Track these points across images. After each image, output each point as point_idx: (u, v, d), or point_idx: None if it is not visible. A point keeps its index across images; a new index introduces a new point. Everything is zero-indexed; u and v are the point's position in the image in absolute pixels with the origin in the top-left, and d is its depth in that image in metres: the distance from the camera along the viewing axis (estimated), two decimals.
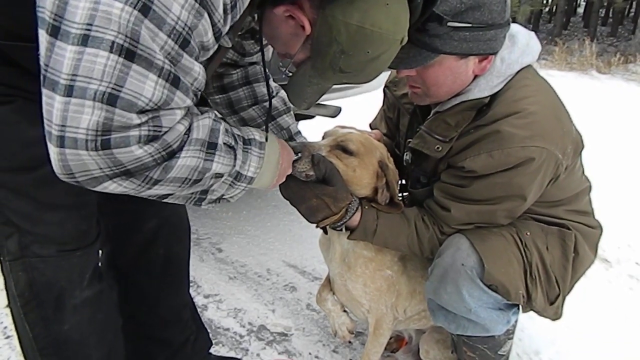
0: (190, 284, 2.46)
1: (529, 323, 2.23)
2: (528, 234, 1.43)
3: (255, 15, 1.17)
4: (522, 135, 1.27)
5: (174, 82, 0.87)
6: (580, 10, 25.42)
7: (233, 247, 2.89)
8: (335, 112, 3.57)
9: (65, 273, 1.19)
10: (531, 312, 1.52)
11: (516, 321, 1.50)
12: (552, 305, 1.44)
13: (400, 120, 1.68)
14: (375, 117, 1.89)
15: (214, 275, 2.58)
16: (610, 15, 19.92)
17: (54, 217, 1.15)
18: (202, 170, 0.98)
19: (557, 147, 1.31)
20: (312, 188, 1.37)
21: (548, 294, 1.43)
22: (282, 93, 1.58)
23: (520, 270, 1.37)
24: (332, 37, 1.02)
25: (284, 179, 1.29)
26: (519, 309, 1.41)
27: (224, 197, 1.12)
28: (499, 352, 1.51)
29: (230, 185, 1.10)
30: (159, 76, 0.84)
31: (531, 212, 1.49)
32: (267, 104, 1.53)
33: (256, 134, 1.15)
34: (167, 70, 0.85)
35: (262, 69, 1.32)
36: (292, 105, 1.58)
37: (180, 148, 0.92)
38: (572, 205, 1.54)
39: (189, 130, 0.94)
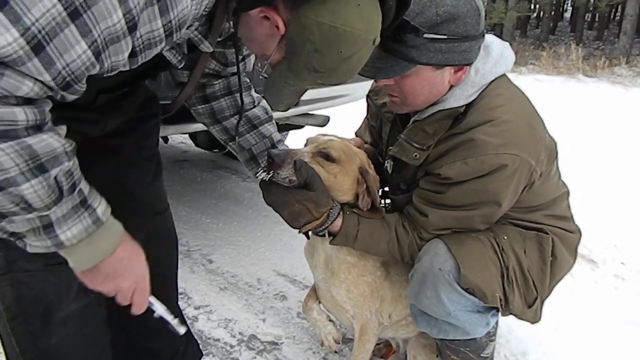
0: (181, 296, 2.51)
1: (516, 325, 2.26)
2: (505, 238, 1.47)
3: (231, 22, 1.19)
4: (496, 143, 1.31)
5: (37, 47, 0.75)
6: (568, 15, 25.77)
7: (224, 258, 2.91)
8: (324, 121, 3.62)
9: (52, 286, 1.20)
10: None
11: (496, 323, 1.54)
12: (530, 308, 1.48)
13: (382, 128, 1.73)
14: (360, 126, 1.93)
15: (204, 286, 2.59)
16: (597, 19, 20.21)
17: None
18: (8, 179, 0.81)
19: (530, 154, 1.35)
20: (294, 193, 1.41)
21: (526, 297, 1.47)
22: (264, 102, 1.61)
23: (497, 274, 1.41)
24: (305, 36, 1.04)
25: (111, 283, 1.08)
26: (498, 311, 1.45)
27: (23, 238, 0.95)
28: (481, 355, 1.54)
29: (34, 230, 0.92)
30: (23, 34, 0.73)
31: (509, 217, 1.53)
32: (249, 113, 1.56)
33: (101, 210, 0.99)
34: (40, 30, 0.74)
35: (237, 68, 1.33)
36: (272, 114, 1.62)
37: (2, 137, 0.78)
38: (550, 210, 1.58)
39: (28, 130, 0.81)
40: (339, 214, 1.48)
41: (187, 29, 1.01)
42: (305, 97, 3.19)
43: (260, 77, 1.28)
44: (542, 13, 19.51)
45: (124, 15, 0.81)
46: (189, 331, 1.87)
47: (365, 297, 1.62)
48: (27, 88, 0.78)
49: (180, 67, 1.19)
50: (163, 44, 0.96)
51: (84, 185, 0.96)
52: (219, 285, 2.61)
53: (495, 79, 1.42)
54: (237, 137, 1.52)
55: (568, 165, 4.55)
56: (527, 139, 1.36)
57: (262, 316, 2.36)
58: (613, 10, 20.82)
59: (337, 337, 1.75)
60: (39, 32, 0.74)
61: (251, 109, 1.56)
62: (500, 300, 1.42)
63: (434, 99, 1.43)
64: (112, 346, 1.67)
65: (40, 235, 0.93)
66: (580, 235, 1.70)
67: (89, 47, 0.81)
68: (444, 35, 1.28)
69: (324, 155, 1.47)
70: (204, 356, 2.06)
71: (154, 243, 1.58)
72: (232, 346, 2.15)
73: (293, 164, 1.40)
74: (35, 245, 0.96)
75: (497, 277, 1.41)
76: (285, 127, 3.97)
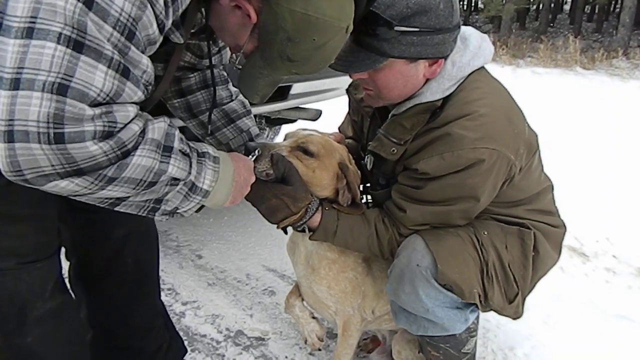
0: (169, 292, 2.51)
1: (504, 319, 2.25)
2: (486, 233, 1.45)
3: (203, 10, 1.18)
4: (472, 137, 1.29)
5: (124, 72, 0.87)
6: (568, 7, 25.64)
7: (213, 253, 2.90)
8: (316, 115, 3.60)
9: (26, 285, 1.20)
10: None
11: (477, 319, 1.53)
12: (511, 304, 1.46)
13: (363, 123, 1.71)
14: (343, 121, 1.91)
15: (192, 282, 2.59)
16: (596, 11, 20.09)
17: (12, 229, 1.15)
18: (157, 172, 0.96)
19: (508, 148, 1.33)
20: (272, 188, 1.39)
21: (506, 292, 1.45)
22: (242, 96, 1.60)
23: (476, 270, 1.40)
24: (278, 25, 1.03)
25: (242, 196, 1.28)
26: (477, 307, 1.44)
27: (177, 210, 1.10)
28: (462, 351, 1.53)
29: (185, 196, 1.08)
30: (108, 67, 0.84)
31: (491, 212, 1.52)
32: (226, 107, 1.55)
33: (209, 148, 1.15)
34: (117, 61, 0.85)
35: (209, 60, 1.33)
36: (251, 107, 1.60)
37: (135, 147, 0.91)
38: (532, 204, 1.56)
39: (143, 131, 0.94)
40: (317, 209, 1.46)
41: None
42: (295, 90, 3.18)
43: (234, 68, 1.27)
44: (541, 5, 19.37)
45: (157, 25, 0.93)
46: (173, 327, 1.87)
47: (347, 294, 1.61)
48: (132, 114, 0.91)
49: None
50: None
51: (190, 142, 1.10)
52: (207, 281, 2.61)
53: (473, 71, 1.40)
54: (209, 128, 1.51)
55: (563, 158, 4.58)
56: (505, 132, 1.34)
57: (249, 312, 2.35)
58: (612, 1, 20.69)
59: (321, 334, 1.75)
60: (119, 57, 0.86)
61: (228, 102, 1.54)
62: (480, 296, 1.40)
63: (409, 92, 1.41)
64: (93, 344, 1.67)
65: (191, 197, 1.09)
66: (565, 230, 1.68)
67: (144, 53, 0.94)
68: (416, 27, 1.26)
69: (303, 149, 1.45)
70: (189, 352, 2.06)
71: (134, 240, 1.58)
72: (218, 342, 2.14)
73: (270, 158, 1.39)
74: (190, 207, 1.12)
75: (476, 273, 1.40)
76: (277, 121, 3.95)
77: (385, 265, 1.66)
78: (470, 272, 1.39)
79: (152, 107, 1.46)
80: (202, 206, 1.16)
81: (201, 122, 1.54)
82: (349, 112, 1.84)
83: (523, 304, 1.52)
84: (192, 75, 1.49)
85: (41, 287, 1.23)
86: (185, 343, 2.11)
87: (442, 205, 1.39)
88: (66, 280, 1.45)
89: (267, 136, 4.26)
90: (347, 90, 1.72)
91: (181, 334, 2.16)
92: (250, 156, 1.36)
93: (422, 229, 1.45)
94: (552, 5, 21.33)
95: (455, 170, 1.32)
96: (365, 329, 1.80)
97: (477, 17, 26.06)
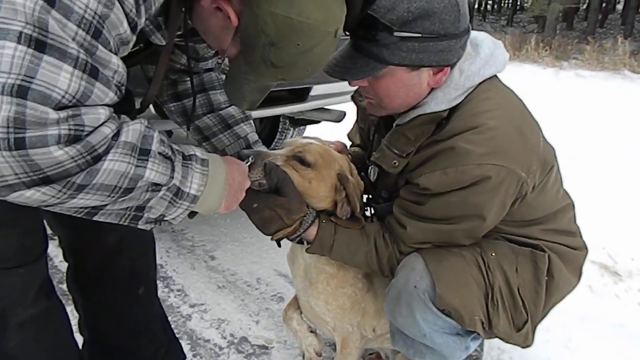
0: (178, 293, 2.49)
1: None
2: (493, 255, 1.35)
3: (183, 10, 1.12)
4: (479, 152, 1.19)
5: (92, 73, 0.81)
6: (621, 6, 24.51)
7: (226, 254, 2.87)
8: (340, 116, 3.55)
9: (6, 291, 1.17)
10: None
11: (481, 346, 1.42)
12: (519, 332, 1.35)
13: (370, 131, 1.63)
14: (352, 128, 1.83)
15: (202, 284, 2.57)
16: None
17: None
18: (133, 177, 0.89)
19: (518, 164, 1.23)
20: (265, 198, 1.32)
21: (514, 319, 1.34)
22: None
23: (479, 294, 1.29)
24: (259, 28, 0.97)
25: (238, 202, 1.21)
26: (480, 334, 1.33)
27: (164, 217, 1.04)
28: None
29: (170, 203, 1.01)
30: (74, 67, 0.78)
31: (501, 231, 1.41)
32: (223, 112, 1.49)
33: (197, 151, 1.07)
34: (84, 61, 0.79)
35: (188, 62, 1.28)
36: (250, 113, 1.54)
37: (107, 152, 0.84)
38: (548, 224, 1.44)
39: (117, 134, 0.87)
40: (313, 221, 1.39)
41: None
42: (315, 92, 3.14)
43: (221, 72, 1.21)
44: (589, 4, 18.58)
45: (128, 23, 0.88)
46: (172, 332, 1.84)
47: (345, 310, 1.53)
48: (103, 116, 0.84)
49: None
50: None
51: (174, 144, 1.04)
52: (217, 283, 2.58)
53: (484, 81, 1.29)
54: (192, 122, 1.45)
55: (603, 167, 4.32)
56: (515, 148, 1.23)
57: (256, 317, 2.31)
58: None
59: (319, 349, 1.68)
60: (85, 56, 0.80)
61: (226, 107, 1.49)
62: (482, 323, 1.30)
63: (412, 102, 1.32)
64: (88, 346, 1.66)
65: (177, 203, 1.02)
66: (587, 252, 1.55)
67: (115, 53, 0.87)
68: (418, 33, 1.17)
69: (299, 159, 1.38)
70: (192, 358, 2.03)
71: (128, 243, 1.55)
72: (221, 348, 2.11)
73: (263, 167, 1.32)
74: (177, 214, 1.05)
75: (478, 298, 1.29)
76: (301, 121, 3.92)
77: (388, 281, 1.57)
78: (472, 296, 1.29)
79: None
80: (196, 212, 1.11)
81: (197, 127, 1.49)
82: (356, 119, 1.76)
83: (534, 332, 1.40)
84: (188, 78, 1.44)
85: (22, 293, 1.20)
86: (188, 347, 2.10)
87: (445, 224, 1.29)
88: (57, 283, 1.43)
89: (292, 136, 4.24)
90: (352, 97, 1.64)
91: (185, 337, 2.16)
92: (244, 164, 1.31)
93: (424, 247, 1.36)
94: (604, 5, 20.41)
95: (459, 187, 1.22)
96: (366, 347, 1.72)
97: (521, 16, 25.28)
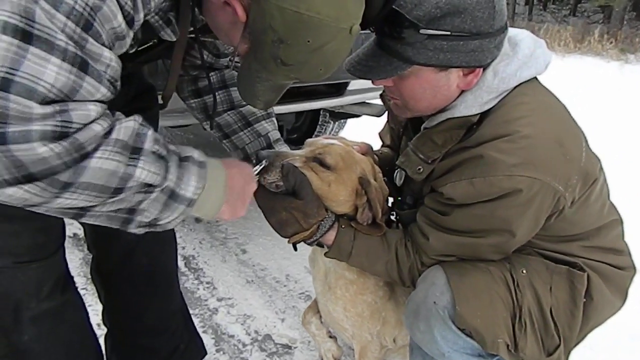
0: (207, 285, 2.50)
1: None
2: (524, 272, 1.24)
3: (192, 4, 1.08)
4: (509, 162, 1.09)
5: (82, 66, 0.77)
6: None
7: (258, 248, 2.86)
8: (381, 111, 3.47)
9: (20, 285, 1.19)
10: None
11: None
12: (550, 357, 1.23)
13: (399, 131, 1.54)
14: (383, 127, 1.75)
15: (231, 277, 2.57)
16: None
17: (8, 228, 1.14)
18: (123, 176, 0.84)
19: (555, 177, 1.11)
20: (282, 200, 1.28)
21: (544, 343, 1.23)
22: None
23: (505, 314, 1.19)
24: (266, 23, 0.92)
25: (243, 207, 1.14)
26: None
27: (158, 221, 0.97)
28: None
29: (164, 205, 0.95)
30: (62, 59, 0.74)
31: (536, 246, 1.30)
32: (243, 109, 1.45)
33: (194, 152, 1.02)
34: (72, 53, 0.76)
35: (201, 57, 1.24)
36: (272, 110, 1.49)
37: (96, 149, 0.80)
38: (591, 241, 1.31)
39: (109, 132, 0.82)
40: (331, 226, 1.33)
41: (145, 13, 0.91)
42: (353, 86, 3.08)
43: (232, 70, 1.17)
44: None
45: (124, 17, 0.84)
46: (194, 329, 1.84)
47: (364, 318, 1.47)
48: (93, 113, 0.80)
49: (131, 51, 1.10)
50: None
51: (170, 144, 0.99)
52: (247, 278, 2.57)
53: (521, 83, 1.18)
54: (212, 119, 1.40)
55: None
56: (552, 159, 1.11)
57: (281, 315, 2.29)
58: None
59: (338, 355, 1.63)
60: (75, 48, 0.76)
61: (246, 104, 1.44)
62: (508, 345, 1.20)
63: (440, 104, 1.22)
64: (108, 340, 1.68)
65: (172, 206, 0.96)
66: (635, 272, 1.41)
67: (109, 47, 0.84)
68: (446, 31, 1.07)
69: (319, 160, 1.32)
70: (214, 352, 2.03)
71: (146, 240, 1.53)
72: (244, 345, 2.10)
73: (281, 168, 1.27)
74: (174, 217, 0.99)
75: (504, 318, 1.19)
76: (341, 115, 3.85)
77: (410, 290, 1.49)
78: (497, 316, 1.19)
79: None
80: (196, 218, 1.07)
81: (217, 124, 1.45)
82: (387, 118, 1.67)
83: (567, 357, 1.29)
84: (210, 74, 1.41)
85: (36, 287, 1.21)
86: (212, 342, 2.10)
87: (469, 237, 1.20)
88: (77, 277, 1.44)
89: (332, 130, 4.18)
90: (381, 95, 1.55)
91: (210, 331, 2.16)
92: (259, 165, 1.26)
93: (447, 260, 1.27)
94: None
95: (486, 200, 1.12)
96: (387, 358, 1.65)
97: (585, 5, 23.88)
